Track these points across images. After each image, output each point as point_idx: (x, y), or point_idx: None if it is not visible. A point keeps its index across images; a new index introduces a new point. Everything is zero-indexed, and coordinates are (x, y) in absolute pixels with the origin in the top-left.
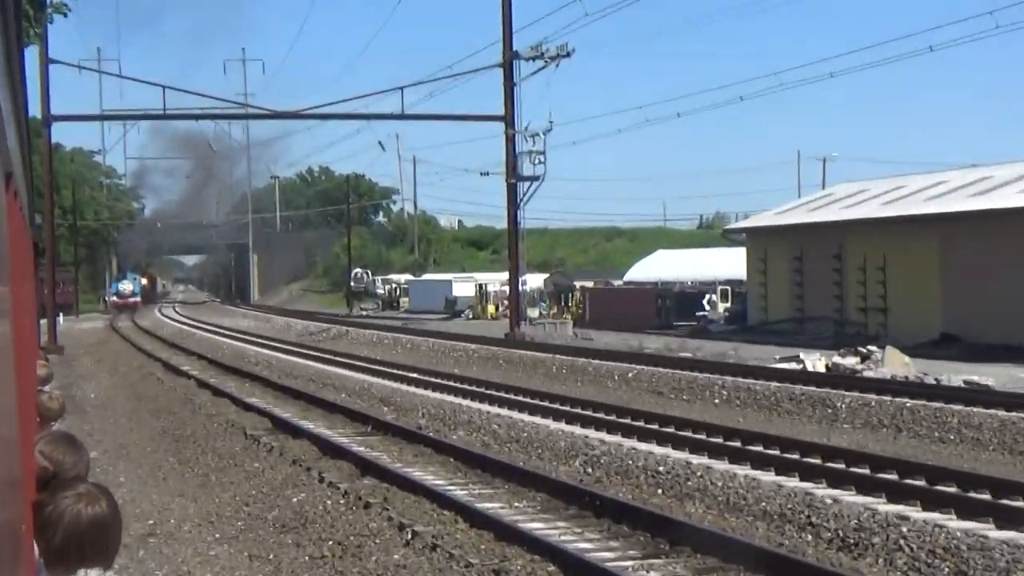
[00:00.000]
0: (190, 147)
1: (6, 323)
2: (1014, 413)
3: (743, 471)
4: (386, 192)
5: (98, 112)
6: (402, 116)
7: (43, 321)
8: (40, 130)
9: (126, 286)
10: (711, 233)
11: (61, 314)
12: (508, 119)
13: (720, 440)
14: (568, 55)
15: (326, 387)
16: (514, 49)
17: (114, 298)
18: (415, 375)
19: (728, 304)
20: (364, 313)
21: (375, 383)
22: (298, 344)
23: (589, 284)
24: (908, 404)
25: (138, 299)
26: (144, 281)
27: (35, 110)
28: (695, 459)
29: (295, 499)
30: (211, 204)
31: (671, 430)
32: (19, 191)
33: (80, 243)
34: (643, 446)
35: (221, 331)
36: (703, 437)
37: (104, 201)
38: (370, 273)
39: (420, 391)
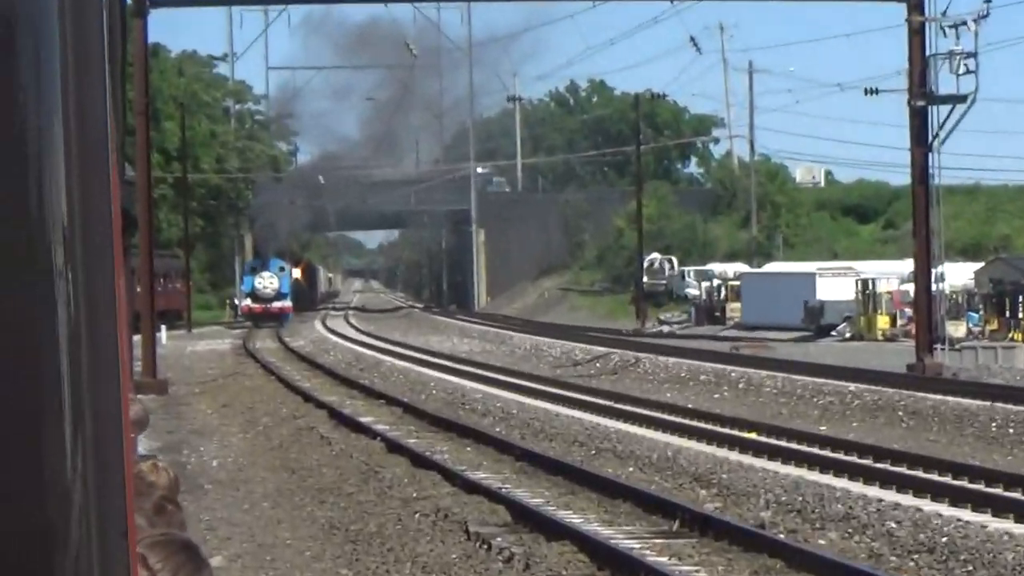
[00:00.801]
0: (373, 51)
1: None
2: None
3: None
4: (703, 123)
5: None
6: None
7: (136, 338)
8: (129, 22)
9: (268, 282)
10: None
11: (163, 327)
12: None
13: None
14: None
15: (601, 454)
16: None
17: (248, 301)
18: (753, 436)
19: None
20: (666, 328)
21: (685, 449)
22: (554, 381)
23: None
24: None
25: (287, 303)
26: (297, 273)
27: None
28: None
29: None
30: (408, 146)
31: None
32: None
33: (194, 210)
34: None
35: (425, 358)
36: None
37: (232, 141)
38: (675, 261)
39: (761, 463)
